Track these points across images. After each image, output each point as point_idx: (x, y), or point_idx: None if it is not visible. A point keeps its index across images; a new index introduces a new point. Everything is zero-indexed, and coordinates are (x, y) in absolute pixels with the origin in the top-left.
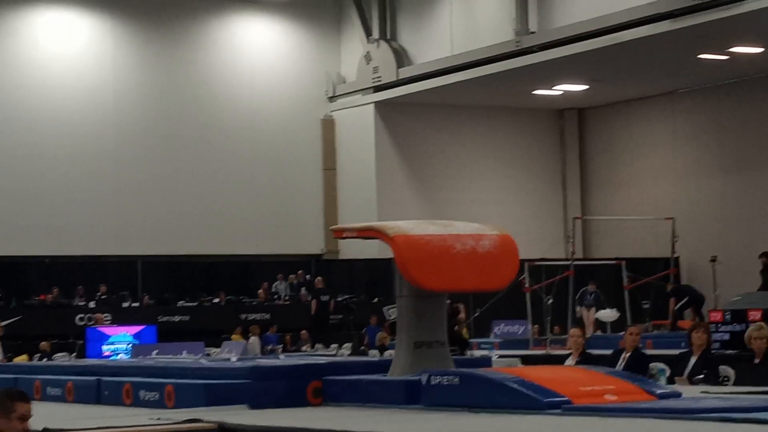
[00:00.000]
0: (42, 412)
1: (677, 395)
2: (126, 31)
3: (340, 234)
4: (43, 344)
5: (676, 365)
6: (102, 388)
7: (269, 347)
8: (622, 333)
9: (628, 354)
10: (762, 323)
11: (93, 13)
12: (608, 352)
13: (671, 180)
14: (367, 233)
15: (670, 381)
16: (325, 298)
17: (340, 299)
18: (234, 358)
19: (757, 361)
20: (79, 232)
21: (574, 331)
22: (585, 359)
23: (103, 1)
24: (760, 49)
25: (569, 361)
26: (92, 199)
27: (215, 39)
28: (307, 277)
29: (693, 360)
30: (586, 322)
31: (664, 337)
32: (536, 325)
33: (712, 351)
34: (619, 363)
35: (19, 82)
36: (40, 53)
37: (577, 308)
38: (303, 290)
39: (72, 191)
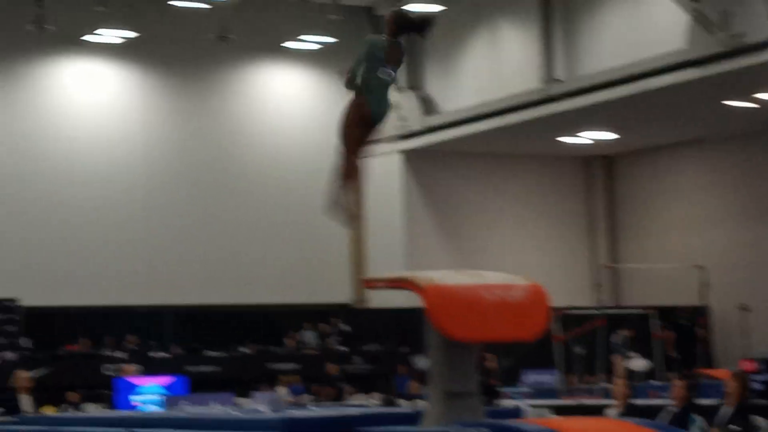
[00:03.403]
0: None
1: None
2: (154, 80)
3: (371, 284)
4: (72, 395)
5: (712, 415)
6: None
7: (297, 397)
8: (654, 382)
9: (677, 408)
10: None
11: (121, 64)
12: (655, 402)
13: (701, 228)
14: (397, 284)
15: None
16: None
17: (369, 349)
18: (265, 410)
19: None
20: (108, 282)
21: (618, 380)
22: (630, 410)
23: (132, 51)
24: None
25: (612, 412)
26: (121, 249)
27: (244, 88)
28: (340, 326)
29: (728, 410)
30: (616, 371)
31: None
32: (568, 375)
33: (748, 401)
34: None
35: (48, 132)
36: (70, 103)
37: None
38: (332, 339)
39: (100, 241)
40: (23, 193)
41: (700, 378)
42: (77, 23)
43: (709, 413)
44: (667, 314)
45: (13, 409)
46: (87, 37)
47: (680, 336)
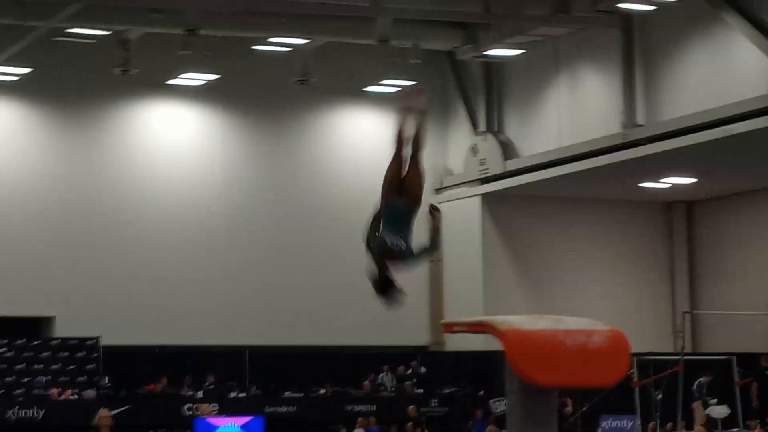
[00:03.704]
0: None
1: None
2: (236, 123)
3: (450, 328)
4: None
5: None
6: None
7: None
8: (735, 430)
9: None
10: None
11: (204, 106)
12: None
13: None
14: (476, 328)
15: None
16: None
17: (446, 392)
18: None
19: None
20: (187, 322)
21: (698, 428)
22: None
23: (214, 94)
24: None
25: None
26: (200, 289)
27: (323, 131)
28: (422, 369)
29: None
30: (697, 418)
31: None
32: (647, 421)
33: None
34: None
35: (131, 173)
36: (154, 145)
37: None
38: (409, 382)
39: (180, 280)
40: (106, 233)
41: None
42: (162, 67)
43: None
44: (748, 361)
45: None
46: (171, 81)
47: (762, 384)
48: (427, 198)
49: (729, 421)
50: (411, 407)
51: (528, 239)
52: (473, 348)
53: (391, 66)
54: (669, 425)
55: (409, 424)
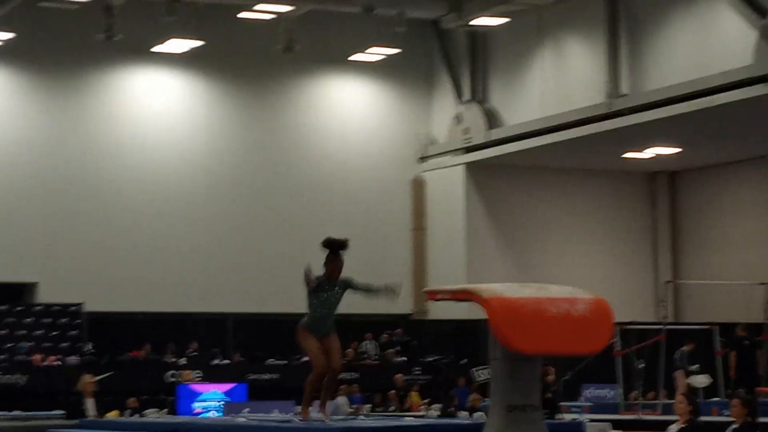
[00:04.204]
0: None
1: None
2: (220, 90)
3: (434, 296)
4: (131, 400)
5: None
6: None
7: (354, 407)
8: (716, 399)
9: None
10: None
11: (188, 73)
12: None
13: (764, 244)
14: (460, 295)
15: None
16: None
17: (428, 360)
18: (325, 419)
19: None
20: (170, 289)
21: (680, 396)
22: (693, 427)
23: (199, 61)
24: None
25: (674, 428)
26: (184, 256)
27: (308, 99)
28: (400, 337)
29: None
30: (678, 387)
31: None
32: (629, 390)
33: None
34: None
35: (114, 139)
36: (138, 112)
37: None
38: (392, 350)
39: (164, 248)
40: (90, 200)
41: (758, 396)
42: (146, 33)
43: None
44: (730, 330)
45: (75, 412)
46: (155, 47)
47: (741, 354)
48: (411, 167)
49: (711, 391)
50: (398, 375)
51: (511, 208)
52: (456, 316)
53: (376, 34)
54: (651, 394)
55: (392, 391)
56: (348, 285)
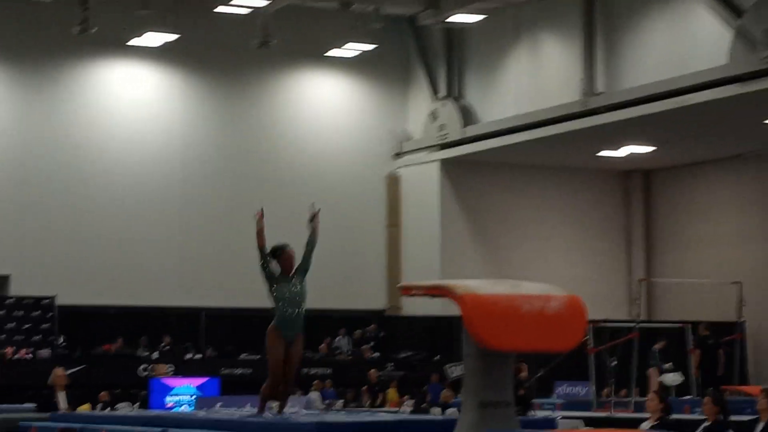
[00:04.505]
0: None
1: None
2: (195, 84)
3: (408, 291)
4: (103, 394)
5: (746, 431)
6: None
7: (327, 402)
8: (688, 397)
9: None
10: None
11: (163, 67)
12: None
13: (737, 243)
14: (434, 291)
15: None
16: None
17: (402, 356)
18: (298, 413)
19: None
20: (143, 283)
21: (652, 394)
22: (664, 425)
23: (174, 54)
24: None
25: (645, 425)
26: (157, 250)
27: (284, 94)
28: (374, 333)
29: (760, 426)
30: (651, 384)
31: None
32: (606, 389)
33: None
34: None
35: (87, 133)
36: (113, 105)
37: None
38: (365, 345)
39: (137, 241)
40: (62, 193)
41: (727, 394)
42: (121, 26)
43: (742, 430)
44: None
45: (47, 405)
46: (131, 41)
47: (704, 353)
48: (386, 164)
49: (683, 389)
50: (372, 371)
51: (486, 205)
52: (429, 313)
53: (352, 30)
54: (623, 392)
55: (364, 387)
56: (302, 266)
